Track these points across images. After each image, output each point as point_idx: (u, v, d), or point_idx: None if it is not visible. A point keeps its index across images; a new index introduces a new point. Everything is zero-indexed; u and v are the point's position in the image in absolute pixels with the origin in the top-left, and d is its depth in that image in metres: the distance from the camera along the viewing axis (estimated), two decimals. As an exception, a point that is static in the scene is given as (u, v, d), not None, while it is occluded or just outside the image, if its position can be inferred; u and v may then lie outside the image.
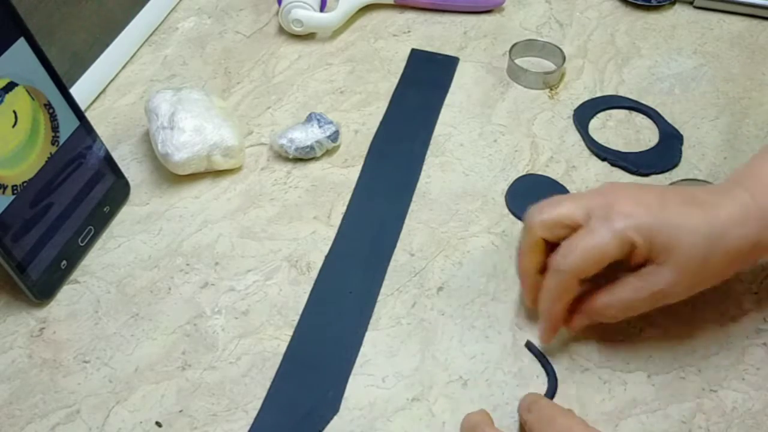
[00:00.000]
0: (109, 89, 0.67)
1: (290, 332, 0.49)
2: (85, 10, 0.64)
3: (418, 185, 0.58)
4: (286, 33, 0.72)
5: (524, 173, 0.59)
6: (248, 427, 0.44)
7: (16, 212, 0.48)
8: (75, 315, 0.50)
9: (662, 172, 0.59)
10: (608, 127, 0.63)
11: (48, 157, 0.50)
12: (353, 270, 0.53)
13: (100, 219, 0.55)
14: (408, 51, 0.71)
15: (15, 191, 0.48)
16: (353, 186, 0.58)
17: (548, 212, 0.45)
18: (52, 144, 0.51)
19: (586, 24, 0.73)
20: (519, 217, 0.55)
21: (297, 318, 0.50)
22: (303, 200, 0.57)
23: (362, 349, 0.48)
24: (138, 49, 0.71)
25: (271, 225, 0.56)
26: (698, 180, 0.57)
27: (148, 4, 0.72)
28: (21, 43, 0.48)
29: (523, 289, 0.48)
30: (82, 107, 0.55)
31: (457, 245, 0.54)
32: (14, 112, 0.48)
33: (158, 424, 0.45)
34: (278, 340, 0.49)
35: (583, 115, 0.63)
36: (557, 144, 0.61)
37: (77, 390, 0.46)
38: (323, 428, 0.44)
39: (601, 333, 0.48)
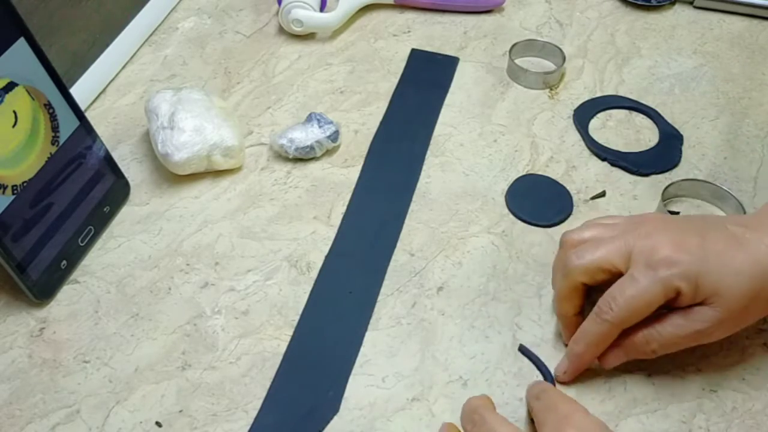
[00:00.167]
0: (109, 89, 0.67)
1: (290, 332, 0.49)
2: (85, 10, 0.64)
3: (418, 185, 0.58)
4: (286, 33, 0.72)
5: (524, 173, 0.59)
6: (248, 427, 0.44)
7: (16, 212, 0.48)
8: (75, 315, 0.50)
9: (662, 172, 0.59)
10: (608, 127, 0.63)
11: (48, 157, 0.50)
12: (353, 270, 0.53)
13: (100, 219, 0.55)
14: (408, 51, 0.71)
15: (15, 191, 0.48)
16: (353, 186, 0.58)
17: (589, 257, 0.44)
18: (52, 144, 0.51)
19: (586, 24, 0.73)
20: (519, 217, 0.55)
21: (297, 318, 0.50)
22: (303, 200, 0.57)
23: (362, 349, 0.48)
24: (138, 49, 0.71)
25: (271, 225, 0.56)
26: (698, 180, 0.57)
27: (148, 4, 0.72)
28: (21, 43, 0.48)
29: (563, 331, 0.48)
30: (82, 107, 0.55)
31: (457, 245, 0.54)
32: (14, 112, 0.48)
33: (158, 424, 0.45)
34: (278, 340, 0.49)
35: (583, 115, 0.63)
36: (557, 144, 0.61)
37: (77, 390, 0.46)
38: (323, 428, 0.44)
39: (601, 333, 0.48)
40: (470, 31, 0.73)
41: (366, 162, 0.60)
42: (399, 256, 0.53)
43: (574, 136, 0.62)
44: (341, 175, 0.59)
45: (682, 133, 0.62)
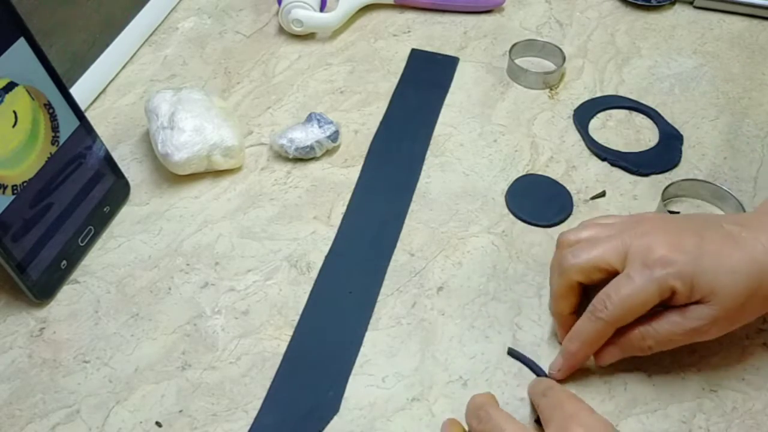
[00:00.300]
0: (109, 89, 0.67)
1: (290, 332, 0.49)
2: (85, 10, 0.64)
3: (418, 185, 0.58)
4: (286, 33, 0.72)
5: (524, 173, 0.59)
6: (248, 427, 0.44)
7: (16, 212, 0.48)
8: (75, 315, 0.50)
9: (662, 172, 0.59)
10: (608, 127, 0.63)
11: (48, 157, 0.50)
12: (353, 270, 0.53)
13: (100, 219, 0.55)
14: (408, 51, 0.71)
15: (15, 191, 0.48)
16: (353, 186, 0.58)
17: (585, 256, 0.45)
18: (52, 144, 0.51)
19: (586, 24, 0.73)
20: (519, 217, 0.55)
21: (297, 318, 0.50)
22: (303, 200, 0.57)
23: (362, 349, 0.48)
24: (138, 49, 0.71)
25: (271, 225, 0.56)
26: (698, 180, 0.57)
27: (148, 4, 0.72)
28: (21, 43, 0.48)
29: (558, 329, 0.48)
30: (82, 107, 0.55)
31: (457, 245, 0.54)
32: (14, 112, 0.48)
33: (158, 424, 0.45)
34: (278, 340, 0.49)
35: (583, 115, 0.63)
36: (557, 144, 0.61)
37: (77, 390, 0.46)
38: (323, 428, 0.44)
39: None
40: (470, 31, 0.73)
41: (366, 162, 0.60)
42: (399, 256, 0.53)
43: (574, 136, 0.62)
44: (341, 175, 0.59)
45: (682, 133, 0.62)
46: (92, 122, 0.54)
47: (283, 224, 0.56)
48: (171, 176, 0.58)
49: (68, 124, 0.52)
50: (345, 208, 0.57)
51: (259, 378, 0.47)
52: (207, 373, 0.47)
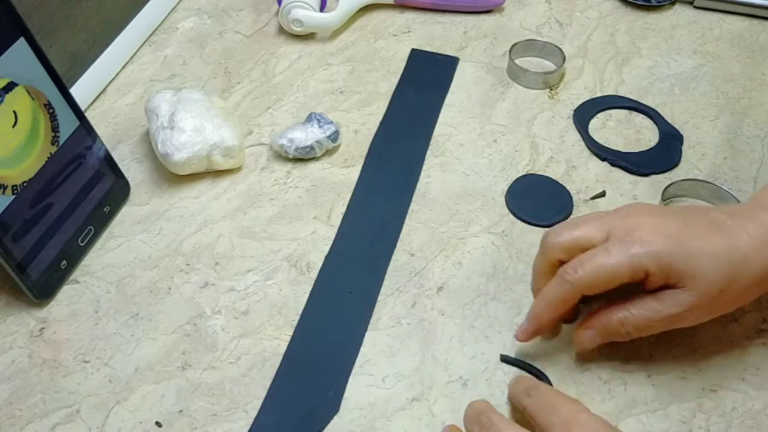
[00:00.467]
0: (109, 89, 0.67)
1: (290, 332, 0.49)
2: (85, 10, 0.64)
3: (418, 185, 0.58)
4: (286, 33, 0.72)
5: (524, 173, 0.59)
6: (248, 427, 0.44)
7: (16, 212, 0.48)
8: (75, 315, 0.50)
9: (662, 172, 0.59)
10: (608, 127, 0.63)
11: (48, 157, 0.50)
12: (353, 270, 0.53)
13: (100, 219, 0.55)
14: (408, 51, 0.71)
15: (15, 191, 0.48)
16: (353, 186, 0.58)
17: (567, 234, 0.45)
18: (52, 144, 0.51)
19: (586, 24, 0.73)
20: (519, 217, 0.55)
21: (297, 318, 0.50)
22: (303, 200, 0.57)
23: (362, 349, 0.48)
24: (138, 49, 0.71)
25: (271, 225, 0.56)
26: (698, 180, 0.57)
27: (148, 4, 0.72)
28: (21, 43, 0.48)
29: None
30: (82, 107, 0.55)
31: (457, 245, 0.54)
32: (14, 112, 0.48)
33: (158, 424, 0.45)
34: (278, 340, 0.49)
35: (583, 115, 0.63)
36: (557, 144, 0.61)
37: (77, 390, 0.46)
38: (323, 428, 0.44)
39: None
40: (470, 31, 0.73)
41: (366, 162, 0.60)
42: (399, 256, 0.53)
43: (574, 136, 0.62)
44: (341, 175, 0.59)
45: (682, 133, 0.62)
46: (92, 122, 0.54)
47: (283, 224, 0.56)
48: (171, 176, 0.58)
49: (68, 124, 0.52)
50: (345, 208, 0.57)
51: (259, 378, 0.47)
52: (207, 373, 0.47)
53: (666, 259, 0.42)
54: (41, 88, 0.50)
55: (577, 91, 0.66)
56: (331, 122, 0.60)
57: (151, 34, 0.72)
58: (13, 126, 0.48)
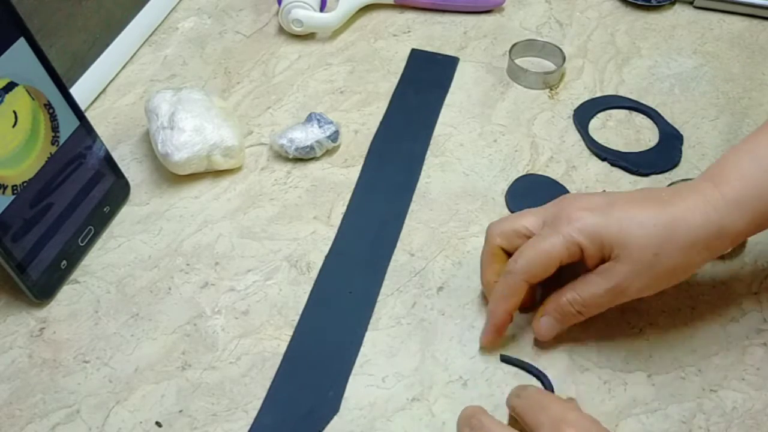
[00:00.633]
0: (109, 89, 0.67)
1: (290, 332, 0.49)
2: (85, 10, 0.64)
3: (418, 185, 0.58)
4: (286, 33, 0.72)
5: (524, 173, 0.59)
6: (248, 427, 0.44)
7: (16, 212, 0.48)
8: (75, 315, 0.50)
9: (662, 172, 0.59)
10: (608, 127, 0.63)
11: (48, 157, 0.50)
12: (353, 270, 0.53)
13: (100, 219, 0.55)
14: (408, 51, 0.71)
15: (15, 191, 0.48)
16: (353, 186, 0.58)
17: (506, 223, 0.47)
18: (52, 144, 0.51)
19: (586, 24, 0.73)
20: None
21: (297, 318, 0.50)
22: (303, 200, 0.57)
23: (362, 349, 0.48)
24: (138, 49, 0.71)
25: (271, 225, 0.56)
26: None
27: (148, 4, 0.72)
28: (21, 43, 0.48)
29: (489, 299, 0.48)
30: (82, 107, 0.55)
31: (457, 245, 0.54)
32: (14, 112, 0.48)
33: (158, 424, 0.45)
34: (278, 340, 0.49)
35: (583, 115, 0.63)
36: (557, 144, 0.61)
37: (77, 390, 0.46)
38: (323, 428, 0.44)
39: (600, 333, 0.48)
40: (470, 31, 0.73)
41: (366, 162, 0.60)
42: (399, 256, 0.53)
43: (574, 136, 0.62)
44: (341, 175, 0.59)
45: (682, 133, 0.62)
46: (92, 122, 0.54)
47: (283, 224, 0.56)
48: (171, 176, 0.58)
49: (68, 124, 0.52)
50: (345, 208, 0.57)
51: (259, 378, 0.47)
52: (207, 373, 0.47)
53: (594, 230, 0.43)
54: (41, 88, 0.50)
55: (577, 91, 0.66)
56: (331, 122, 0.60)
57: (151, 34, 0.72)
58: (13, 126, 0.48)
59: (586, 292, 0.44)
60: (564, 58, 0.67)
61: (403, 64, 0.69)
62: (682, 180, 0.57)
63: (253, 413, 0.45)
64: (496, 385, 0.46)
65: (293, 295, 0.51)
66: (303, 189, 0.58)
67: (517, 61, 0.67)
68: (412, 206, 0.57)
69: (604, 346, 0.48)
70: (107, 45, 0.67)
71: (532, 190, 0.57)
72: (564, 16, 0.74)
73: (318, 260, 0.53)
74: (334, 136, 0.60)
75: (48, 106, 0.50)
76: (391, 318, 0.50)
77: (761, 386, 0.46)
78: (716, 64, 0.69)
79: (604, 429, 0.39)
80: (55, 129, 0.51)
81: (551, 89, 0.66)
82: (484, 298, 0.50)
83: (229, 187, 0.58)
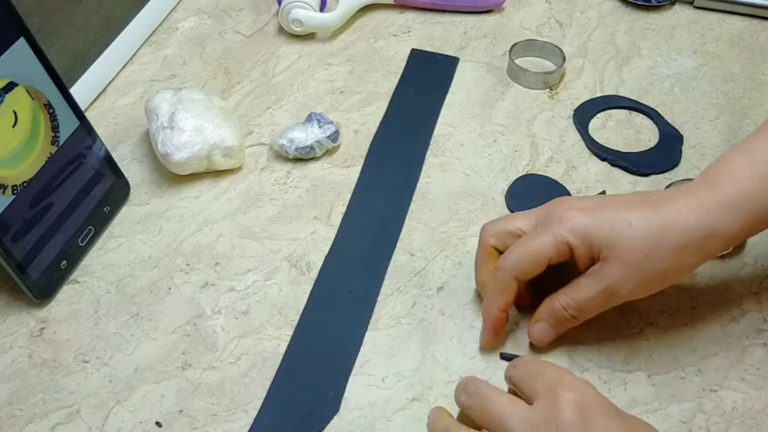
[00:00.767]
0: (109, 89, 0.67)
1: (290, 332, 0.49)
2: (85, 10, 0.64)
3: (418, 185, 0.58)
4: (286, 33, 0.72)
5: (524, 173, 0.59)
6: (248, 427, 0.44)
7: (16, 212, 0.48)
8: (75, 315, 0.50)
9: (662, 172, 0.59)
10: (608, 127, 0.63)
11: (48, 157, 0.50)
12: (353, 270, 0.53)
13: (100, 219, 0.55)
14: (408, 51, 0.71)
15: (15, 191, 0.48)
16: (353, 186, 0.58)
17: (499, 223, 0.48)
18: (52, 144, 0.51)
19: (586, 24, 0.73)
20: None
21: (297, 318, 0.50)
22: (303, 200, 0.57)
23: (362, 349, 0.48)
24: (138, 49, 0.71)
25: (271, 225, 0.56)
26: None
27: (148, 4, 0.72)
28: (21, 43, 0.48)
29: (484, 299, 0.49)
30: (82, 107, 0.55)
31: (457, 245, 0.54)
32: (14, 112, 0.48)
33: (158, 424, 0.45)
34: (278, 340, 0.49)
35: (583, 115, 0.63)
36: (557, 144, 0.61)
37: (77, 390, 0.46)
38: (323, 428, 0.44)
39: (600, 333, 0.48)
40: (470, 31, 0.73)
41: (366, 162, 0.60)
42: (399, 256, 0.53)
43: (574, 136, 0.62)
44: (341, 175, 0.59)
45: (682, 133, 0.62)
46: (92, 122, 0.54)
47: (283, 224, 0.56)
48: (171, 176, 0.58)
49: (68, 124, 0.52)
50: (345, 208, 0.57)
51: (259, 378, 0.47)
52: (207, 373, 0.47)
53: (584, 230, 0.43)
54: (41, 88, 0.50)
55: (577, 91, 0.66)
56: (331, 122, 0.60)
57: (151, 34, 0.72)
58: (13, 126, 0.48)
59: (578, 295, 0.45)
60: (564, 58, 0.67)
61: (403, 64, 0.69)
62: (682, 180, 0.57)
63: (253, 413, 0.45)
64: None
65: (293, 295, 0.51)
66: (303, 189, 0.58)
67: (517, 61, 0.67)
68: (412, 206, 0.57)
69: (604, 346, 0.48)
70: (107, 45, 0.67)
71: (532, 190, 0.57)
72: (564, 16, 0.74)
73: (318, 260, 0.53)
74: (334, 136, 0.60)
75: (48, 106, 0.50)
76: (391, 318, 0.50)
77: (761, 386, 0.46)
78: (716, 64, 0.69)
79: (598, 393, 0.38)
80: (55, 129, 0.51)
81: (551, 89, 0.66)
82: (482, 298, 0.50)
83: (229, 187, 0.58)
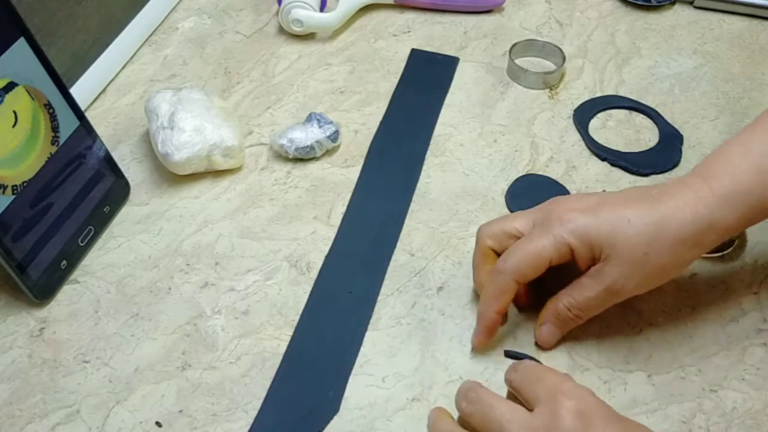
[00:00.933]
0: (109, 89, 0.67)
1: (290, 332, 0.49)
2: (85, 10, 0.64)
3: (418, 185, 0.58)
4: (286, 33, 0.72)
5: (524, 173, 0.59)
6: (248, 427, 0.44)
7: (16, 212, 0.48)
8: (75, 315, 0.50)
9: (662, 172, 0.59)
10: (608, 127, 0.63)
11: (48, 157, 0.50)
12: (353, 270, 0.53)
13: (100, 219, 0.55)
14: (408, 51, 0.71)
15: (15, 191, 0.48)
16: (353, 186, 0.58)
17: (496, 224, 0.48)
18: (52, 144, 0.51)
19: (586, 24, 0.73)
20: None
21: (297, 318, 0.50)
22: (303, 200, 0.57)
23: (362, 349, 0.48)
24: (138, 49, 0.71)
25: (271, 225, 0.56)
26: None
27: (148, 4, 0.72)
28: (21, 43, 0.48)
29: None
30: (82, 107, 0.55)
31: (457, 245, 0.54)
32: (14, 112, 0.48)
33: (158, 424, 0.45)
34: (278, 340, 0.49)
35: (583, 115, 0.63)
36: (557, 144, 0.61)
37: (77, 390, 0.46)
38: (323, 428, 0.44)
39: (600, 333, 0.48)
40: (470, 31, 0.73)
41: (366, 162, 0.60)
42: (399, 256, 0.53)
43: (574, 136, 0.62)
44: (341, 175, 0.59)
45: (682, 133, 0.62)
46: (92, 122, 0.54)
47: (283, 224, 0.56)
48: (171, 176, 0.58)
49: (68, 124, 0.52)
50: (345, 208, 0.57)
51: (259, 378, 0.47)
52: (207, 373, 0.47)
53: (584, 231, 0.43)
54: (41, 88, 0.50)
55: (577, 91, 0.66)
56: (331, 122, 0.60)
57: (151, 34, 0.72)
58: (13, 126, 0.48)
59: (580, 296, 0.45)
60: (564, 58, 0.67)
61: (403, 64, 0.69)
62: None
63: (253, 413, 0.45)
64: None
65: (293, 295, 0.51)
66: (303, 189, 0.58)
67: (517, 61, 0.67)
68: (412, 206, 0.57)
69: (604, 346, 0.48)
70: (107, 45, 0.67)
71: (532, 190, 0.57)
72: (564, 16, 0.74)
73: (318, 260, 0.53)
74: (334, 136, 0.60)
75: (48, 106, 0.50)
76: (391, 318, 0.50)
77: (761, 386, 0.46)
78: (716, 64, 0.69)
79: (599, 399, 0.39)
80: (55, 129, 0.51)
81: (551, 89, 0.66)
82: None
83: (229, 187, 0.58)
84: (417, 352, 0.48)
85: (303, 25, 0.71)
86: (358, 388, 0.46)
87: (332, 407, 0.45)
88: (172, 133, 0.56)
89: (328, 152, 0.61)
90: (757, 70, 0.68)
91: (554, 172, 0.59)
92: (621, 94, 0.65)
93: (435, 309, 0.50)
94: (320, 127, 0.60)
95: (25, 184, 0.48)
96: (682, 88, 0.66)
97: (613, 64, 0.69)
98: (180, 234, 0.55)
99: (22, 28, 0.48)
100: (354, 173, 0.59)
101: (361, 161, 0.60)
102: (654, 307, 0.49)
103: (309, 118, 0.61)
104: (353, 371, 0.47)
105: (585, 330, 0.48)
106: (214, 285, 0.52)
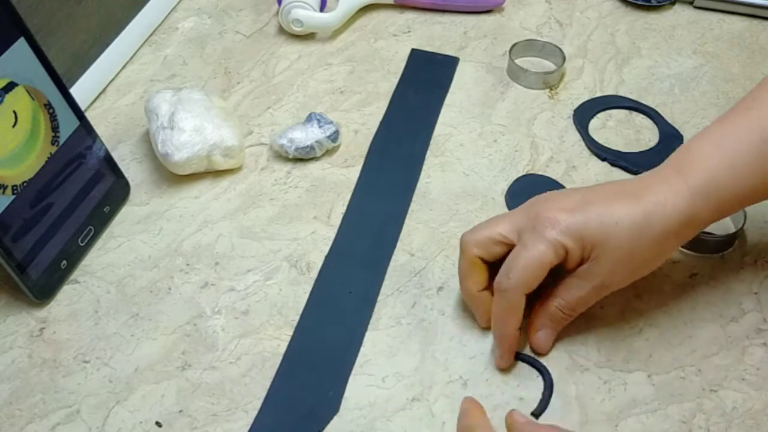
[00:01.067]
0: (109, 89, 0.67)
1: (290, 332, 0.49)
2: (85, 10, 0.64)
3: (418, 185, 0.58)
4: (286, 33, 0.72)
5: (524, 173, 0.59)
6: (248, 427, 0.44)
7: (16, 212, 0.48)
8: (75, 315, 0.50)
9: (662, 172, 0.59)
10: (608, 127, 0.63)
11: (48, 157, 0.50)
12: (353, 270, 0.53)
13: (100, 219, 0.55)
14: (408, 51, 0.71)
15: (15, 191, 0.48)
16: (353, 186, 0.58)
17: (480, 231, 0.47)
18: (52, 144, 0.51)
19: (586, 24, 0.73)
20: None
21: (297, 318, 0.50)
22: (303, 200, 0.57)
23: (362, 349, 0.48)
24: (138, 49, 0.71)
25: (271, 225, 0.56)
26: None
27: (148, 4, 0.72)
28: (21, 43, 0.48)
29: (473, 310, 0.49)
30: (82, 107, 0.55)
31: (457, 245, 0.54)
32: (14, 112, 0.48)
33: (158, 424, 0.45)
34: (278, 340, 0.49)
35: (583, 115, 0.63)
36: (557, 144, 0.61)
37: (77, 390, 0.46)
38: (323, 428, 0.44)
39: (600, 333, 0.48)
40: (470, 31, 0.73)
41: (366, 162, 0.60)
42: (399, 256, 0.53)
43: (574, 136, 0.62)
44: (341, 175, 0.59)
45: (682, 133, 0.62)
46: (92, 122, 0.54)
47: (283, 224, 0.56)
48: (171, 176, 0.58)
49: (68, 124, 0.52)
50: (345, 208, 0.57)
51: (259, 378, 0.47)
52: (207, 373, 0.47)
53: (576, 230, 0.43)
54: (41, 88, 0.50)
55: (577, 91, 0.66)
56: (331, 122, 0.60)
57: (151, 34, 0.72)
58: (13, 126, 0.48)
59: (571, 297, 0.45)
60: (564, 58, 0.67)
61: (403, 64, 0.69)
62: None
63: (253, 413, 0.45)
64: (495, 385, 0.46)
65: (293, 295, 0.51)
66: (303, 189, 0.58)
67: (517, 61, 0.67)
68: (412, 206, 0.57)
69: (604, 346, 0.48)
70: (107, 45, 0.67)
71: (532, 190, 0.57)
72: (564, 16, 0.74)
73: (318, 260, 0.53)
74: (334, 136, 0.60)
75: (48, 106, 0.50)
76: (391, 318, 0.50)
77: (761, 386, 0.46)
78: (716, 64, 0.69)
79: None
80: (55, 129, 0.51)
81: (551, 89, 0.66)
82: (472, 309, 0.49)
83: (229, 187, 0.58)
84: (417, 352, 0.48)
85: (303, 25, 0.71)
86: (358, 388, 0.46)
87: (332, 407, 0.45)
88: (172, 133, 0.56)
89: (328, 152, 0.61)
90: (757, 70, 0.68)
91: (554, 172, 0.59)
92: (621, 94, 0.65)
93: (435, 309, 0.50)
94: (320, 127, 0.60)
95: (25, 184, 0.48)
96: (682, 88, 0.66)
97: (613, 64, 0.69)
98: (180, 234, 0.55)
99: (22, 28, 0.48)
100: (354, 173, 0.59)
101: (361, 161, 0.60)
102: (654, 307, 0.49)
103: (309, 118, 0.61)
104: (353, 371, 0.47)
105: (585, 330, 0.48)
106: (214, 285, 0.52)
